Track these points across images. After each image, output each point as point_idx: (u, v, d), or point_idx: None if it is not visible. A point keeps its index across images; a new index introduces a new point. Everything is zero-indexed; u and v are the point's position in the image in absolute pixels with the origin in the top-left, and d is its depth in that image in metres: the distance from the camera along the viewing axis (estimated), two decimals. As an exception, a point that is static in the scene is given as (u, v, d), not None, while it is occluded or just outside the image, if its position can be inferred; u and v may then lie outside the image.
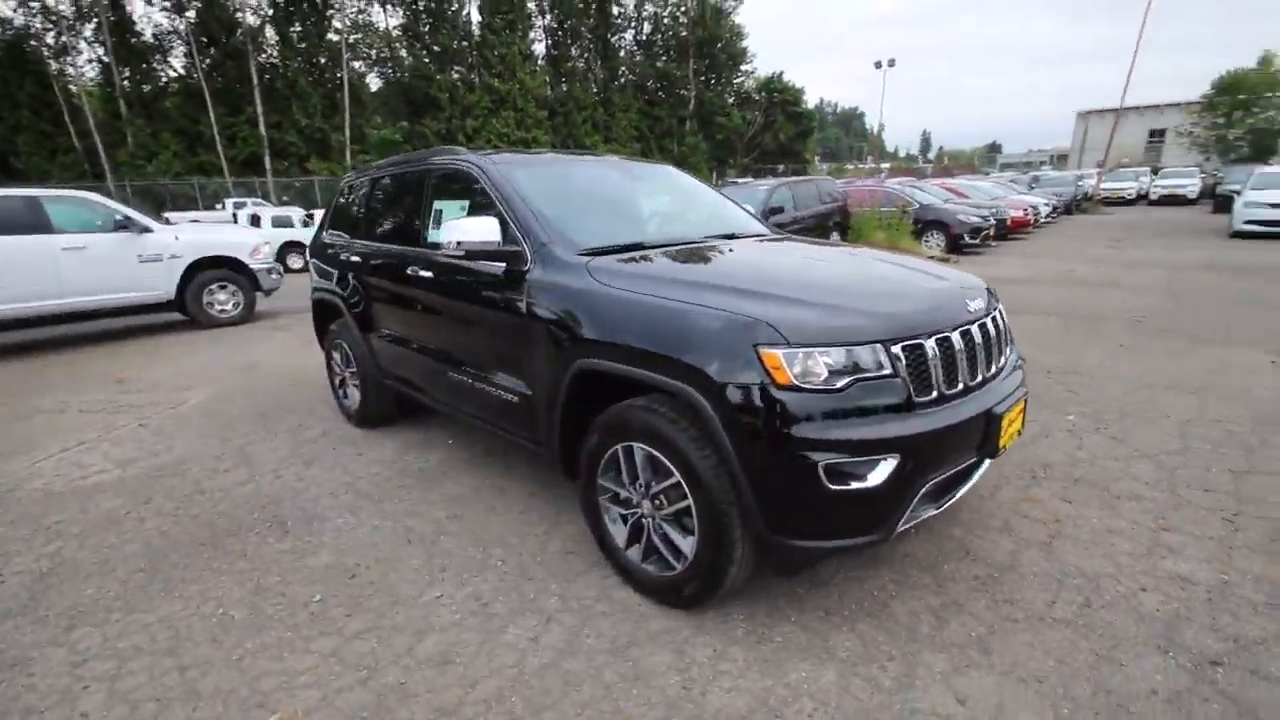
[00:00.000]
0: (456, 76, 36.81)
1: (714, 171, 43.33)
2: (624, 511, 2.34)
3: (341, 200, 4.26)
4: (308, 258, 4.57)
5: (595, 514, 2.43)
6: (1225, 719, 1.72)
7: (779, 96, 46.19)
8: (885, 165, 66.92)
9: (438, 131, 35.45)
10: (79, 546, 2.84)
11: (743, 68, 47.52)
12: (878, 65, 41.26)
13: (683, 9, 44.24)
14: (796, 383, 1.80)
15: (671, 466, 2.05)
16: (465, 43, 36.58)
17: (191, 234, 8.16)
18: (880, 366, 1.86)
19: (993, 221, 13.32)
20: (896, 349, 1.89)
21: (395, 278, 3.39)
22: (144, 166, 29.17)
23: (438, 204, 3.21)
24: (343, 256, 3.91)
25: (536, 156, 3.30)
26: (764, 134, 46.41)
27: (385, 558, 2.67)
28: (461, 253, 2.62)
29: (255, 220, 15.75)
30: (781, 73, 46.68)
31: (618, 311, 2.20)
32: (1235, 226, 13.39)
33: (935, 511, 2.08)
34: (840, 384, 1.82)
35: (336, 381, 4.38)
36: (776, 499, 1.87)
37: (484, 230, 2.57)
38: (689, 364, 1.93)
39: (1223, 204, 20.39)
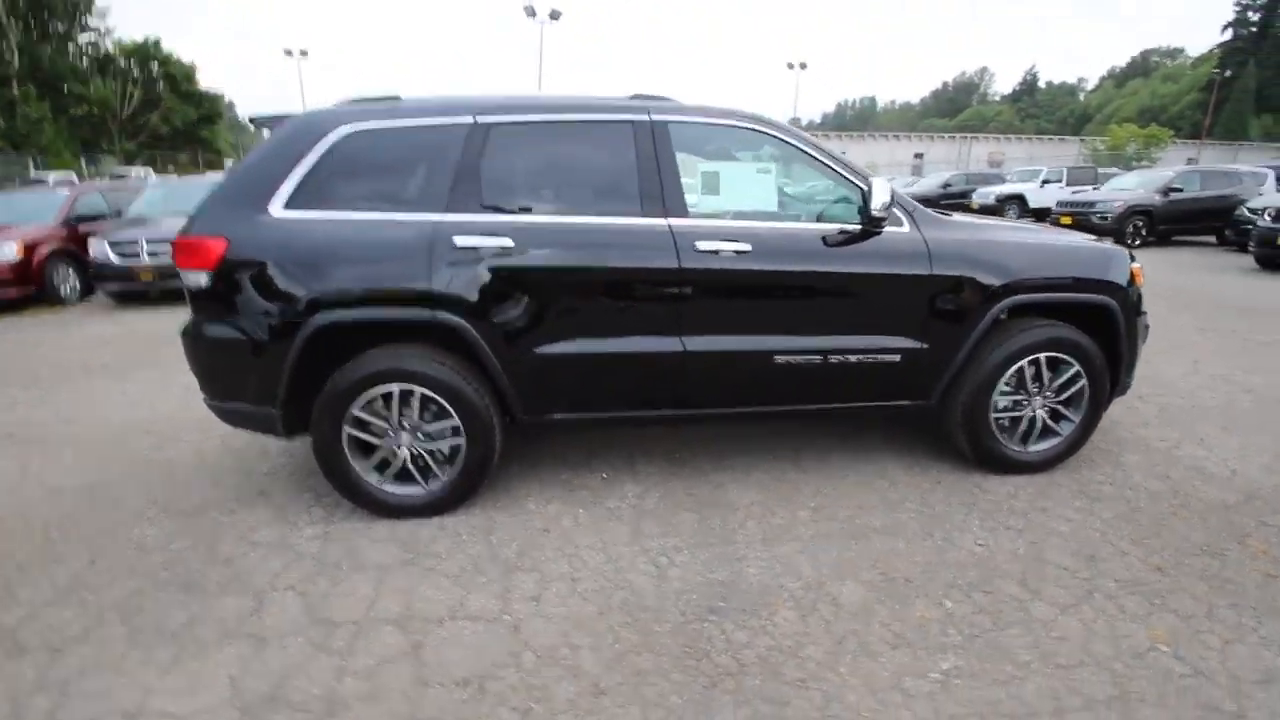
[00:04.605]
0: None
1: (83, 157, 32.01)
2: (1012, 415, 2.93)
3: (343, 161, 2.47)
4: (261, 259, 2.37)
5: (987, 430, 2.90)
6: None
7: (161, 69, 37.35)
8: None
9: None
10: None
11: (90, 21, 36.12)
12: (288, 53, 38.50)
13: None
14: (1138, 281, 2.98)
15: (1074, 361, 2.87)
16: None
17: None
18: None
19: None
20: None
21: (648, 260, 2.54)
22: None
23: (706, 168, 2.62)
24: (457, 241, 2.41)
25: None
26: (148, 113, 36.74)
27: (880, 572, 2.39)
28: (882, 213, 2.55)
29: None
30: (158, 40, 37.68)
31: (1030, 253, 2.82)
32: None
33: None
34: None
35: (371, 460, 2.60)
36: (1135, 357, 3.01)
37: (887, 190, 2.56)
38: (1111, 281, 2.84)
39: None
